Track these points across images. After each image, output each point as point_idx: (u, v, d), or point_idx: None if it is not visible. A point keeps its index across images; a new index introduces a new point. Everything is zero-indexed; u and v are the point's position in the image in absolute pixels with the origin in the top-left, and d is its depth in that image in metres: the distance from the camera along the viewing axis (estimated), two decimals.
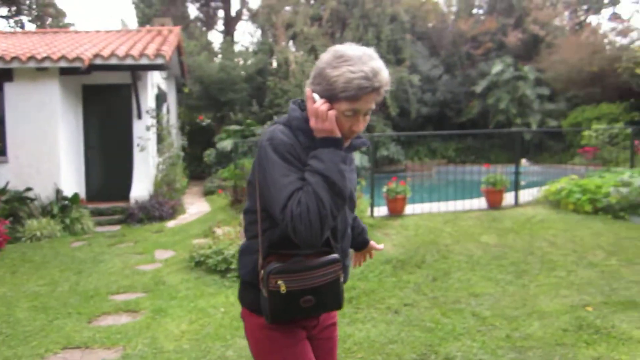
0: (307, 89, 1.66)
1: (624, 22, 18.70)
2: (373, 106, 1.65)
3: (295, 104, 1.75)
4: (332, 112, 1.59)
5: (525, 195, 8.09)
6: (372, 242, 2.18)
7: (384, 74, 1.61)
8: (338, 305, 1.72)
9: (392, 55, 17.70)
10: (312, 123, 1.62)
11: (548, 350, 3.55)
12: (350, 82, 1.56)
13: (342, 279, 1.70)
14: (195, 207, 10.68)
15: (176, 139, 12.09)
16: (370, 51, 1.64)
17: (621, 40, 17.55)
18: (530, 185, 8.94)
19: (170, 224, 8.98)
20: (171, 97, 14.52)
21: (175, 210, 9.62)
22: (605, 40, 17.68)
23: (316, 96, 1.62)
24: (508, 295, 4.63)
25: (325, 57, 1.65)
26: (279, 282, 1.59)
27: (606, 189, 7.24)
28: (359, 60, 1.58)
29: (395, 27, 18.01)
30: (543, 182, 8.63)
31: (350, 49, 1.62)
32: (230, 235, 6.08)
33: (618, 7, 23.94)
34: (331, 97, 1.60)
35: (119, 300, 4.99)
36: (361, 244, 2.16)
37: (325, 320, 1.88)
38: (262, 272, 1.64)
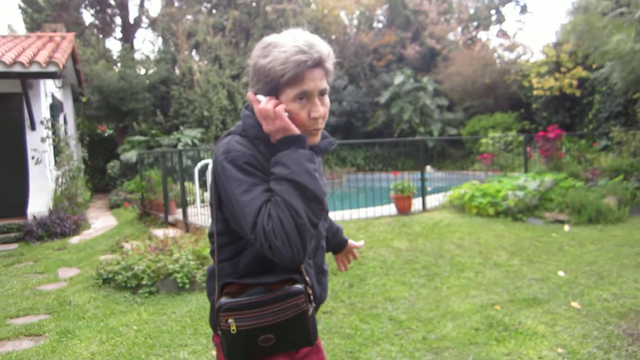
0: (249, 93, 1.49)
1: (510, 39, 20.24)
2: (325, 85, 1.47)
3: (249, 110, 1.54)
4: (279, 107, 1.41)
5: (432, 200, 8.44)
6: (351, 241, 2.01)
7: (321, 45, 1.45)
8: (308, 341, 1.46)
9: None
10: (265, 127, 1.44)
11: (462, 349, 3.69)
12: (286, 62, 1.38)
13: (310, 311, 1.44)
14: (101, 221, 10.11)
15: (76, 151, 11.40)
16: (299, 30, 1.49)
17: (509, 55, 18.98)
18: (435, 190, 9.33)
19: (74, 240, 8.41)
20: (68, 106, 13.69)
21: (78, 226, 9.04)
22: (495, 55, 19.02)
23: (260, 97, 1.45)
24: (422, 298, 4.78)
25: (254, 52, 1.48)
26: (229, 320, 1.38)
27: (504, 192, 7.74)
28: (289, 39, 1.43)
29: None
30: (447, 188, 9.05)
31: (278, 35, 1.47)
32: (140, 250, 5.78)
33: (504, 24, 25.78)
34: (274, 90, 1.43)
35: (19, 324, 4.56)
36: (338, 246, 1.98)
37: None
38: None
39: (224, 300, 1.41)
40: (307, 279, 1.48)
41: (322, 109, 1.47)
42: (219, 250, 1.53)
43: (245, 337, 1.40)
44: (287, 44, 1.41)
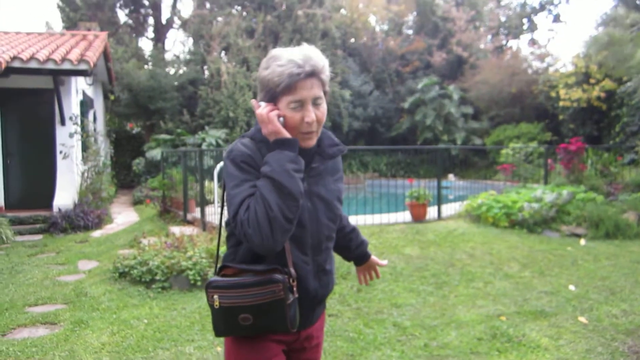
0: (252, 100, 1.68)
1: (541, 48, 20.02)
2: (319, 93, 1.61)
3: None
4: (273, 113, 1.57)
5: (448, 209, 8.43)
6: (374, 258, 2.13)
7: (318, 59, 1.60)
8: (284, 327, 1.61)
9: None
10: (262, 130, 1.61)
11: (463, 358, 3.71)
12: (281, 75, 1.54)
13: (290, 300, 1.59)
14: (123, 216, 10.36)
15: (103, 147, 11.70)
16: (304, 45, 1.63)
17: (538, 64, 18.76)
18: (457, 199, 9.32)
19: (96, 233, 8.66)
20: (98, 103, 14.05)
21: (101, 220, 9.29)
22: (524, 64, 18.81)
23: (262, 103, 1.61)
24: (428, 306, 4.81)
25: (261, 64, 1.65)
26: (215, 296, 1.59)
27: (521, 204, 7.69)
28: (288, 53, 1.58)
29: (327, 42, 18.33)
30: (469, 197, 9.03)
31: (281, 49, 1.62)
32: (156, 246, 5.95)
33: (536, 33, 25.51)
34: (273, 98, 1.60)
35: (36, 312, 4.75)
36: (360, 259, 2.10)
37: (310, 341, 1.83)
38: None
39: (214, 278, 1.64)
40: (293, 271, 1.62)
41: (316, 114, 1.61)
42: (227, 237, 1.74)
43: (227, 313, 1.59)
44: (285, 57, 1.57)
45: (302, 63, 1.55)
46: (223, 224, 1.81)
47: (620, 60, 9.41)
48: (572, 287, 5.29)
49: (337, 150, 1.76)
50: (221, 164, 8.30)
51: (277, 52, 1.62)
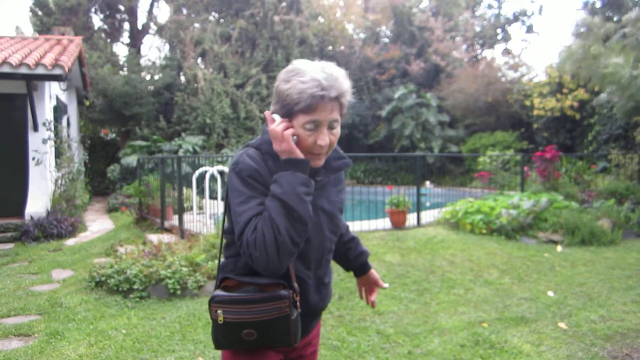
0: (266, 111, 1.61)
1: (515, 58, 20.38)
2: (337, 117, 1.56)
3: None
4: (288, 132, 1.51)
5: (427, 216, 8.47)
6: (375, 274, 2.05)
7: (343, 82, 1.55)
8: (287, 342, 1.58)
9: None
10: (274, 146, 1.55)
11: None
12: (302, 93, 1.48)
13: (294, 316, 1.57)
14: (98, 224, 10.16)
15: (77, 153, 11.48)
16: (328, 63, 1.58)
17: (512, 74, 19.09)
18: (434, 206, 9.39)
19: (70, 242, 8.46)
20: (72, 109, 13.80)
21: (75, 228, 9.09)
22: (499, 73, 19.13)
23: (276, 116, 1.56)
24: (411, 313, 4.80)
25: (280, 74, 1.59)
26: (219, 311, 1.54)
27: (498, 210, 7.78)
28: (312, 70, 1.52)
29: (305, 49, 18.36)
30: (445, 204, 9.10)
31: (304, 62, 1.57)
32: (134, 255, 5.83)
33: (510, 43, 25.96)
34: (288, 114, 1.54)
35: (9, 324, 4.59)
36: (359, 269, 2.04)
37: (307, 348, 1.81)
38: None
39: (218, 292, 1.57)
40: (296, 286, 1.60)
41: (329, 138, 1.56)
42: (226, 247, 1.70)
43: (230, 328, 1.54)
44: (309, 74, 1.50)
45: (326, 85, 1.49)
46: (213, 233, 1.79)
47: (594, 72, 9.62)
48: (550, 293, 5.35)
49: (342, 164, 1.73)
50: (200, 170, 8.22)
51: (300, 65, 1.55)
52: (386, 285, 2.07)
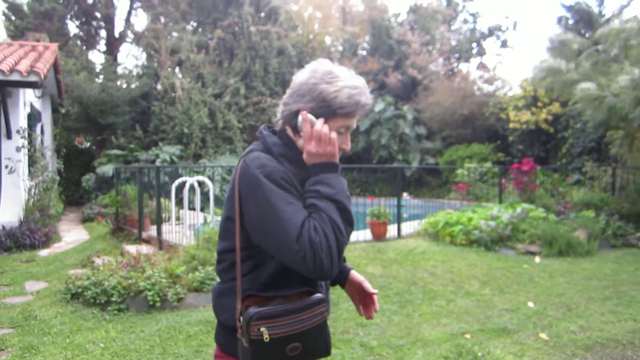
0: (303, 111, 1.53)
1: (490, 72, 20.75)
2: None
3: (267, 130, 1.65)
4: (334, 134, 1.51)
5: (407, 227, 8.50)
6: (359, 278, 1.85)
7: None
8: (327, 351, 1.53)
9: (280, 87, 18.02)
10: (313, 147, 1.51)
11: None
12: (350, 98, 1.51)
13: (328, 321, 1.53)
14: (72, 234, 9.93)
15: (51, 162, 11.24)
16: (355, 74, 1.60)
17: (488, 88, 19.42)
18: (411, 217, 9.43)
19: (43, 252, 8.23)
20: (46, 117, 13.53)
21: (49, 238, 8.86)
22: (475, 87, 19.43)
23: (312, 117, 1.52)
24: (393, 325, 4.79)
25: (312, 74, 1.55)
26: (262, 329, 1.40)
27: (477, 222, 7.85)
28: (352, 77, 1.56)
29: (283, 60, 18.38)
30: (423, 215, 9.14)
31: (333, 65, 1.57)
32: (111, 266, 5.70)
33: (485, 57, 26.43)
34: (326, 114, 1.53)
35: None
36: (343, 277, 1.86)
37: None
38: (241, 319, 1.45)
39: (254, 309, 1.44)
40: (322, 295, 1.55)
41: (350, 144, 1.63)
42: (230, 266, 1.56)
43: (276, 346, 1.42)
44: (353, 81, 1.55)
45: (369, 96, 1.56)
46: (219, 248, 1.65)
47: (566, 87, 9.85)
48: (531, 304, 5.41)
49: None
50: (179, 181, 8.12)
51: (336, 70, 1.56)
52: (375, 291, 1.85)
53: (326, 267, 1.39)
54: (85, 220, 11.86)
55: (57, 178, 11.15)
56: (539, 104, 15.58)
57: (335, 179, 1.51)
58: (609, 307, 5.27)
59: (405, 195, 14.27)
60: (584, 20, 15.88)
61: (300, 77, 1.58)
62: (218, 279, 1.65)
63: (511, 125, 15.94)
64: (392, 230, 8.15)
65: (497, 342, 4.36)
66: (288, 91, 1.60)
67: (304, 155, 1.55)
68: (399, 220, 8.21)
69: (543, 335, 4.51)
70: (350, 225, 1.48)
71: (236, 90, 16.99)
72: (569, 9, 16.52)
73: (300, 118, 1.53)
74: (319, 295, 1.51)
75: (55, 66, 11.85)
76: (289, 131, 1.61)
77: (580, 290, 5.93)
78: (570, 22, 16.76)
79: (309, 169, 1.53)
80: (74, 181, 15.72)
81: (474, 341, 4.36)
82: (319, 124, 1.51)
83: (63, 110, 14.49)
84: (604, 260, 7.40)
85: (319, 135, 1.50)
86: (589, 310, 5.21)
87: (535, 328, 4.70)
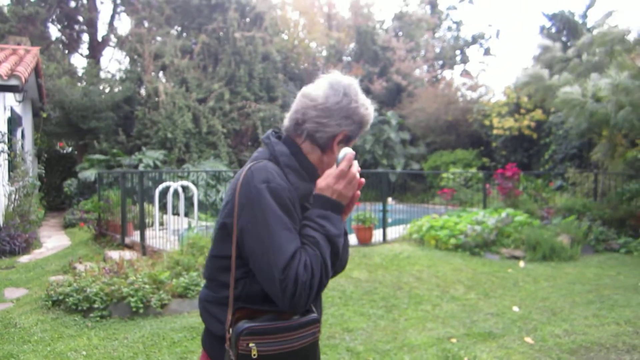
0: (351, 151, 1.50)
1: (473, 79, 20.96)
2: None
3: (275, 137, 1.60)
4: (362, 181, 1.52)
5: (393, 232, 8.50)
6: None
7: None
8: None
9: (265, 92, 17.99)
10: (341, 186, 1.47)
11: None
12: (370, 118, 1.60)
13: (319, 341, 1.51)
14: (54, 240, 9.76)
15: (32, 167, 11.05)
16: None
17: (471, 95, 19.61)
18: (396, 222, 9.44)
19: (24, 259, 8.07)
20: (27, 121, 13.31)
21: (29, 244, 8.69)
22: (459, 94, 19.61)
23: (349, 153, 1.49)
24: (380, 330, 4.77)
25: (344, 93, 1.54)
26: (251, 344, 1.36)
27: (463, 227, 7.88)
28: (360, 92, 1.60)
29: (268, 66, 18.35)
30: (408, 220, 9.16)
31: (352, 80, 1.60)
32: (94, 272, 5.60)
33: (468, 65, 26.70)
34: (355, 136, 1.58)
35: None
36: None
37: None
38: (230, 331, 1.41)
39: (244, 323, 1.39)
40: (316, 315, 1.50)
41: None
42: (226, 273, 1.49)
43: None
44: (366, 100, 1.61)
45: None
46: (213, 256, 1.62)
47: (547, 93, 9.97)
48: (515, 309, 5.43)
49: None
50: (163, 186, 8.04)
51: (353, 84, 1.59)
52: None
53: (301, 305, 1.35)
54: (67, 225, 11.68)
55: (38, 183, 10.96)
56: (522, 110, 15.76)
57: (340, 221, 1.49)
58: (593, 311, 5.31)
59: (389, 200, 14.31)
60: (567, 29, 16.13)
61: (331, 96, 1.54)
62: (203, 284, 1.60)
63: (494, 131, 16.09)
64: (377, 235, 8.15)
65: (483, 346, 4.37)
66: (312, 107, 1.54)
67: (322, 183, 1.49)
68: (384, 225, 8.21)
69: (528, 339, 4.52)
70: (333, 266, 1.47)
71: (220, 95, 16.91)
72: (551, 17, 16.77)
73: (343, 155, 1.48)
74: (313, 315, 1.46)
75: (36, 70, 11.67)
76: (302, 141, 1.57)
77: (564, 294, 5.97)
78: (553, 30, 17.01)
79: (318, 199, 1.49)
80: (55, 186, 15.48)
81: (460, 345, 4.36)
82: (356, 167, 1.49)
83: (44, 115, 14.28)
84: (586, 265, 7.48)
85: (352, 178, 1.48)
86: (573, 314, 5.25)
87: (521, 332, 4.72)
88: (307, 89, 1.59)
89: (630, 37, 9.46)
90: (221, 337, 1.47)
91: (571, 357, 4.15)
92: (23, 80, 8.73)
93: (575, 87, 9.48)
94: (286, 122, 1.61)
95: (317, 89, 1.57)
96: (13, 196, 9.50)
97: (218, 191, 13.86)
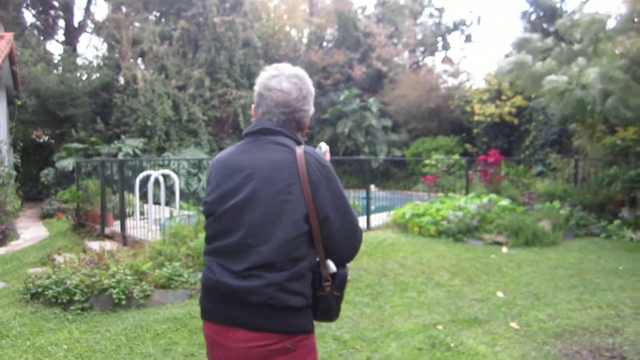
0: (326, 145, 2.02)
1: (454, 65, 20.96)
2: None
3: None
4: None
5: (376, 219, 8.49)
6: None
7: None
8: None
9: (246, 79, 17.78)
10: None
11: None
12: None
13: None
14: (31, 231, 9.57)
15: (7, 156, 10.78)
16: None
17: (452, 81, 19.62)
18: (378, 209, 9.42)
19: (0, 251, 7.89)
20: (1, 110, 12.97)
21: (5, 236, 8.49)
22: (440, 80, 19.60)
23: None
24: (366, 317, 4.75)
25: (306, 80, 1.87)
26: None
27: (445, 213, 7.90)
28: None
29: (249, 52, 18.13)
30: (390, 207, 9.15)
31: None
32: (73, 263, 5.48)
33: (450, 51, 26.73)
34: None
35: None
36: None
37: None
38: (324, 281, 1.76)
39: (342, 269, 1.82)
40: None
41: None
42: (299, 248, 1.70)
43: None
44: None
45: None
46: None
47: (531, 81, 9.96)
48: (500, 294, 5.45)
49: None
50: (144, 174, 7.90)
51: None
52: None
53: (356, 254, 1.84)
54: (45, 216, 11.47)
55: (14, 173, 10.71)
56: (503, 97, 15.83)
57: None
58: (575, 295, 5.36)
59: (372, 187, 14.32)
60: (547, 15, 16.19)
61: (309, 83, 1.86)
62: (262, 271, 1.68)
63: (476, 117, 16.15)
64: (361, 222, 8.12)
65: (469, 332, 4.37)
66: (300, 97, 1.82)
67: None
68: (368, 212, 8.19)
69: (513, 325, 4.54)
70: None
71: (201, 82, 16.66)
72: (532, 3, 16.81)
73: (326, 148, 1.97)
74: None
75: (10, 57, 11.36)
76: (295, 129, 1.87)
77: (547, 279, 6.02)
78: (533, 16, 17.05)
79: None
80: (32, 176, 15.18)
81: (446, 332, 4.36)
82: (328, 157, 1.94)
83: (19, 102, 13.93)
84: (568, 249, 7.55)
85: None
86: (557, 298, 5.29)
87: (506, 317, 4.74)
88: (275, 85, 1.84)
89: (610, 24, 9.50)
90: (303, 307, 1.72)
91: (556, 341, 4.17)
92: None
93: (561, 75, 9.50)
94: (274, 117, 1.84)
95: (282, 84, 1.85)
96: None
97: (199, 180, 13.71)
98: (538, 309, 4.98)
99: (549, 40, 10.66)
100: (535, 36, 10.62)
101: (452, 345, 4.08)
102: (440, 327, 4.49)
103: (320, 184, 1.69)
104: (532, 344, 4.12)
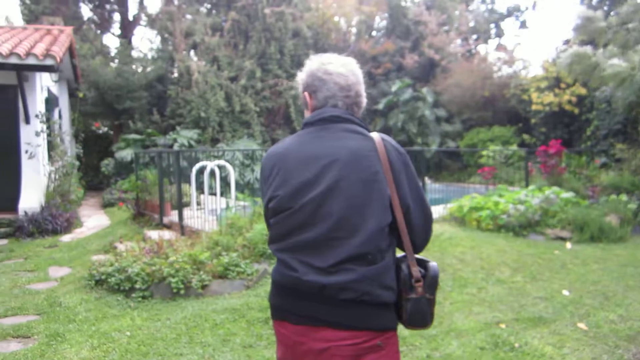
0: None
1: (508, 53, 20.24)
2: None
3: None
4: None
5: (432, 212, 8.32)
6: None
7: None
8: None
9: (296, 69, 17.68)
10: None
11: None
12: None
13: None
14: (93, 220, 9.90)
15: (70, 147, 11.19)
16: None
17: (507, 69, 18.96)
18: (432, 202, 9.23)
19: (66, 238, 8.19)
20: (63, 101, 13.48)
21: (70, 224, 8.81)
22: (494, 68, 18.98)
23: None
24: None
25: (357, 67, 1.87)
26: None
27: (505, 207, 7.63)
28: None
29: (298, 42, 18.09)
30: (445, 200, 8.94)
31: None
32: (134, 252, 5.61)
33: (503, 38, 25.86)
34: None
35: (6, 325, 4.37)
36: None
37: None
38: (412, 280, 1.69)
39: (432, 262, 1.78)
40: None
41: None
42: (385, 238, 1.65)
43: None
44: None
45: None
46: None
47: (591, 71, 9.45)
48: (566, 292, 5.21)
49: None
50: (199, 165, 8.01)
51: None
52: None
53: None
54: (106, 205, 11.85)
55: (77, 163, 11.11)
56: (562, 85, 15.16)
57: None
58: None
59: (426, 179, 14.08)
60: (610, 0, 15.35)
61: (360, 71, 1.85)
62: (353, 265, 1.61)
63: (533, 107, 15.53)
64: None
65: (534, 332, 4.19)
66: (358, 82, 1.82)
67: None
68: None
69: (581, 325, 4.33)
70: None
71: (252, 73, 16.77)
72: None
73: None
74: None
75: (70, 50, 11.74)
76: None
77: (616, 277, 5.71)
78: (595, 0, 16.21)
79: None
80: (92, 166, 15.73)
81: (509, 331, 4.20)
82: None
83: (81, 95, 14.42)
84: (638, 246, 7.14)
85: None
86: (628, 299, 5.01)
87: (573, 317, 4.52)
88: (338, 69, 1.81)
89: None
90: (393, 302, 1.68)
91: (629, 344, 3.95)
92: (58, 59, 8.75)
93: (623, 60, 8.99)
94: (339, 101, 1.78)
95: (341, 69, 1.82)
96: (53, 176, 9.63)
97: (253, 170, 13.83)
98: (608, 309, 4.73)
99: (613, 19, 10.06)
100: (599, 14, 10.04)
101: (516, 345, 3.92)
102: (502, 325, 4.32)
103: (401, 172, 1.65)
104: (603, 346, 3.90)
